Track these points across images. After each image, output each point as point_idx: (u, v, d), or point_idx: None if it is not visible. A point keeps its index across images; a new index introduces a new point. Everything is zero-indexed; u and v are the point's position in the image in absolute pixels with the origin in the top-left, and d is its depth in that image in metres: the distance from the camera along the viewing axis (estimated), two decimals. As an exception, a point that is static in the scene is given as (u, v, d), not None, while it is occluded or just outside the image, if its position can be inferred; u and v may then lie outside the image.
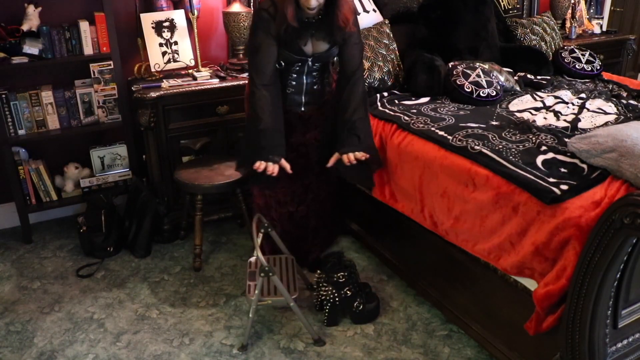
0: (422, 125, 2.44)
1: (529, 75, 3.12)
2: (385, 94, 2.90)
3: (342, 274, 2.37)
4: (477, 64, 2.88)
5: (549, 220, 1.80)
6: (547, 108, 2.61)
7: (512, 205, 1.93)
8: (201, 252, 2.84)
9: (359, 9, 3.26)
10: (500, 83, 2.85)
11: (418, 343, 2.32)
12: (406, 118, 2.53)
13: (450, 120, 2.46)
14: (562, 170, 1.97)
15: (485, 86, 2.75)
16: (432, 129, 2.39)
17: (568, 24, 4.31)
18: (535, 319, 1.84)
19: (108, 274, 2.82)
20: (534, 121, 2.43)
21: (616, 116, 2.47)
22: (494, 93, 2.75)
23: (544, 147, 2.13)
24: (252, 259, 2.48)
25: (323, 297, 2.39)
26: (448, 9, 3.17)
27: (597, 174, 1.92)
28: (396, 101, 2.78)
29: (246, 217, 2.93)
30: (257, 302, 2.27)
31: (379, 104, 2.76)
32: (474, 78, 2.77)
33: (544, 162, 2.03)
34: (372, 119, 2.64)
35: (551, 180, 1.90)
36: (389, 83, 2.99)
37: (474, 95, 2.72)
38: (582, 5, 4.44)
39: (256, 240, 2.27)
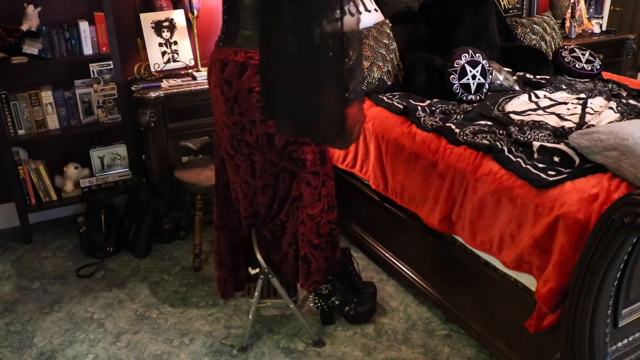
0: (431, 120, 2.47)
1: (528, 75, 3.12)
2: (397, 94, 2.90)
3: (325, 286, 2.30)
4: (481, 58, 2.85)
5: (547, 213, 1.81)
6: (544, 109, 2.61)
7: (511, 198, 1.94)
8: (201, 252, 2.84)
9: (360, 7, 3.26)
10: (499, 82, 2.85)
11: (418, 343, 2.32)
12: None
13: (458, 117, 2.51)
14: (555, 159, 2.01)
15: (473, 91, 2.76)
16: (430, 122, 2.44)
17: (568, 24, 4.31)
18: (536, 317, 1.84)
19: (108, 274, 2.82)
20: (538, 122, 2.43)
21: (619, 114, 2.47)
22: (477, 98, 2.77)
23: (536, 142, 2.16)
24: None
25: (315, 301, 2.38)
26: (449, 8, 3.17)
27: (591, 165, 1.94)
28: (411, 101, 2.79)
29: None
30: (257, 304, 2.27)
31: (392, 102, 2.78)
32: (466, 79, 2.76)
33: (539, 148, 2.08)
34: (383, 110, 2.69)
35: (541, 166, 1.95)
36: (389, 83, 2.99)
37: (456, 98, 2.75)
38: (582, 5, 4.44)
39: (255, 242, 2.27)
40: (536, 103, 2.70)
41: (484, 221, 2.05)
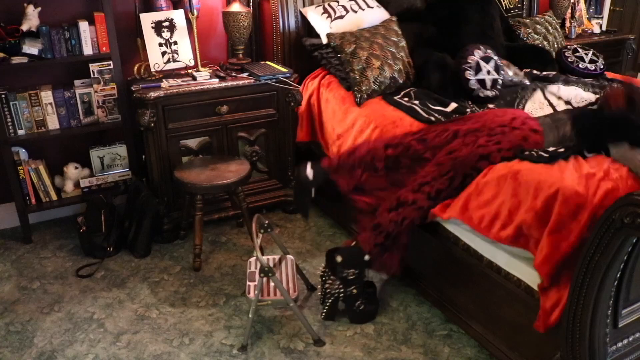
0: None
1: (534, 71, 3.14)
2: (413, 95, 2.90)
3: (353, 270, 2.35)
4: (492, 54, 2.86)
5: (548, 187, 1.85)
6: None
7: (516, 177, 1.97)
8: (201, 252, 2.84)
9: (362, 5, 3.26)
10: (509, 77, 2.87)
11: (418, 343, 2.32)
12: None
13: None
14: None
15: (488, 87, 2.77)
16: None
17: (568, 24, 4.31)
18: (542, 316, 1.84)
19: (108, 274, 2.82)
20: None
21: None
22: (493, 94, 2.77)
23: None
24: (252, 259, 2.48)
25: (327, 290, 2.39)
26: (456, 7, 3.18)
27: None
28: (430, 106, 2.78)
29: (246, 217, 2.93)
30: (257, 303, 2.26)
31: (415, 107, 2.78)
32: (482, 75, 2.77)
33: None
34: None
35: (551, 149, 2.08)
36: (400, 81, 2.98)
37: (473, 95, 2.75)
38: (582, 5, 4.44)
39: (256, 241, 2.27)
40: (552, 106, 2.71)
41: (479, 199, 2.07)
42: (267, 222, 2.42)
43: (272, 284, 2.31)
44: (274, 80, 3.01)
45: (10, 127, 2.93)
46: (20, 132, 2.96)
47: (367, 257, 2.34)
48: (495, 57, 2.83)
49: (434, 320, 2.45)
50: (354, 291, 2.37)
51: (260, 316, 2.47)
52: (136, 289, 2.70)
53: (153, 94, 2.80)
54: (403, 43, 3.07)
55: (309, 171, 2.50)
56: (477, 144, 2.22)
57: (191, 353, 2.28)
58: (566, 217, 1.79)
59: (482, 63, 2.79)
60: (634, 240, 1.57)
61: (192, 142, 3.05)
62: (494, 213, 2.00)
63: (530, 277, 1.92)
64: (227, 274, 2.80)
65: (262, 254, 2.39)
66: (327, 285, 2.40)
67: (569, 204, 1.79)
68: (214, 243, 3.09)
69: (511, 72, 2.94)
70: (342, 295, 2.38)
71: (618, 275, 1.65)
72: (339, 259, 2.36)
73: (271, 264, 2.48)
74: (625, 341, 1.84)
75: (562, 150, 2.06)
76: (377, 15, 3.24)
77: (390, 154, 2.42)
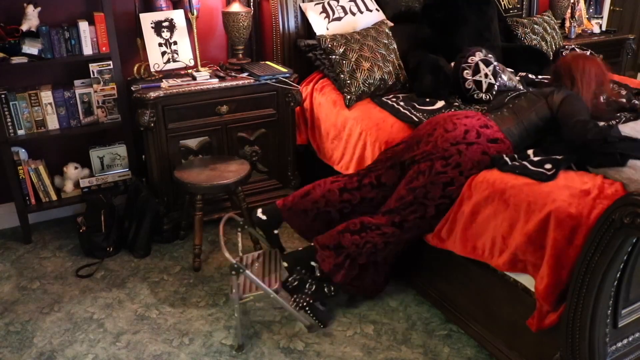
0: None
1: (530, 76, 3.13)
2: (401, 96, 2.90)
3: (293, 277, 2.34)
4: (493, 59, 2.86)
5: (539, 209, 1.82)
6: None
7: (504, 199, 1.94)
8: (201, 252, 2.84)
9: (362, 7, 3.27)
10: (503, 82, 2.87)
11: (418, 343, 2.32)
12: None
13: None
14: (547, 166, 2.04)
15: (484, 90, 2.77)
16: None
17: (567, 24, 4.31)
18: (538, 316, 1.84)
19: (108, 274, 2.82)
20: None
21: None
22: (487, 98, 2.78)
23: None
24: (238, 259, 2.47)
25: (299, 307, 2.35)
26: (452, 8, 3.17)
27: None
28: (415, 105, 2.79)
29: (246, 217, 2.93)
30: (239, 300, 2.23)
31: (397, 106, 2.78)
32: (479, 77, 2.77)
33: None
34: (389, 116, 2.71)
35: (536, 159, 2.02)
36: (390, 83, 2.99)
37: (468, 94, 2.75)
38: (582, 5, 4.44)
39: (222, 240, 2.25)
40: None
41: (475, 228, 2.05)
42: (241, 220, 2.47)
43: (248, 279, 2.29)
44: (273, 80, 3.02)
45: (10, 127, 2.92)
46: (20, 132, 2.96)
47: (313, 264, 2.33)
48: (495, 62, 2.83)
49: (434, 320, 2.45)
50: (313, 287, 2.35)
51: (259, 316, 2.47)
52: (136, 289, 2.69)
53: (153, 94, 2.80)
54: (394, 45, 3.07)
55: (261, 215, 2.48)
56: (434, 170, 2.14)
57: (191, 353, 2.28)
58: (562, 243, 1.74)
59: (481, 65, 2.79)
60: (634, 240, 1.57)
61: (192, 142, 3.05)
62: (491, 240, 1.99)
63: (527, 278, 1.92)
64: (226, 274, 2.80)
65: (257, 250, 2.39)
66: (293, 304, 2.35)
67: (564, 227, 1.74)
68: (214, 243, 3.09)
69: (505, 77, 2.94)
70: (309, 299, 2.34)
71: (618, 275, 1.65)
72: (285, 264, 2.36)
73: (250, 260, 2.46)
74: (625, 341, 1.84)
75: (549, 166, 1.96)
76: (375, 19, 3.24)
77: (346, 199, 2.40)
